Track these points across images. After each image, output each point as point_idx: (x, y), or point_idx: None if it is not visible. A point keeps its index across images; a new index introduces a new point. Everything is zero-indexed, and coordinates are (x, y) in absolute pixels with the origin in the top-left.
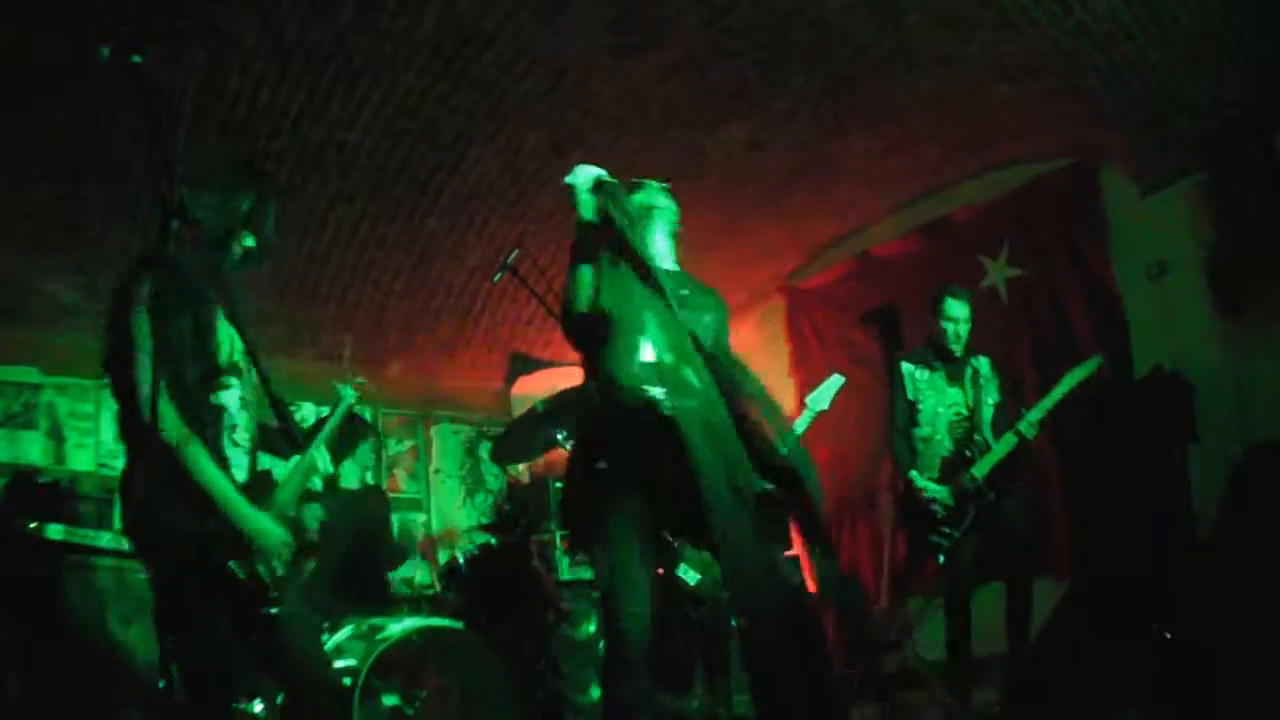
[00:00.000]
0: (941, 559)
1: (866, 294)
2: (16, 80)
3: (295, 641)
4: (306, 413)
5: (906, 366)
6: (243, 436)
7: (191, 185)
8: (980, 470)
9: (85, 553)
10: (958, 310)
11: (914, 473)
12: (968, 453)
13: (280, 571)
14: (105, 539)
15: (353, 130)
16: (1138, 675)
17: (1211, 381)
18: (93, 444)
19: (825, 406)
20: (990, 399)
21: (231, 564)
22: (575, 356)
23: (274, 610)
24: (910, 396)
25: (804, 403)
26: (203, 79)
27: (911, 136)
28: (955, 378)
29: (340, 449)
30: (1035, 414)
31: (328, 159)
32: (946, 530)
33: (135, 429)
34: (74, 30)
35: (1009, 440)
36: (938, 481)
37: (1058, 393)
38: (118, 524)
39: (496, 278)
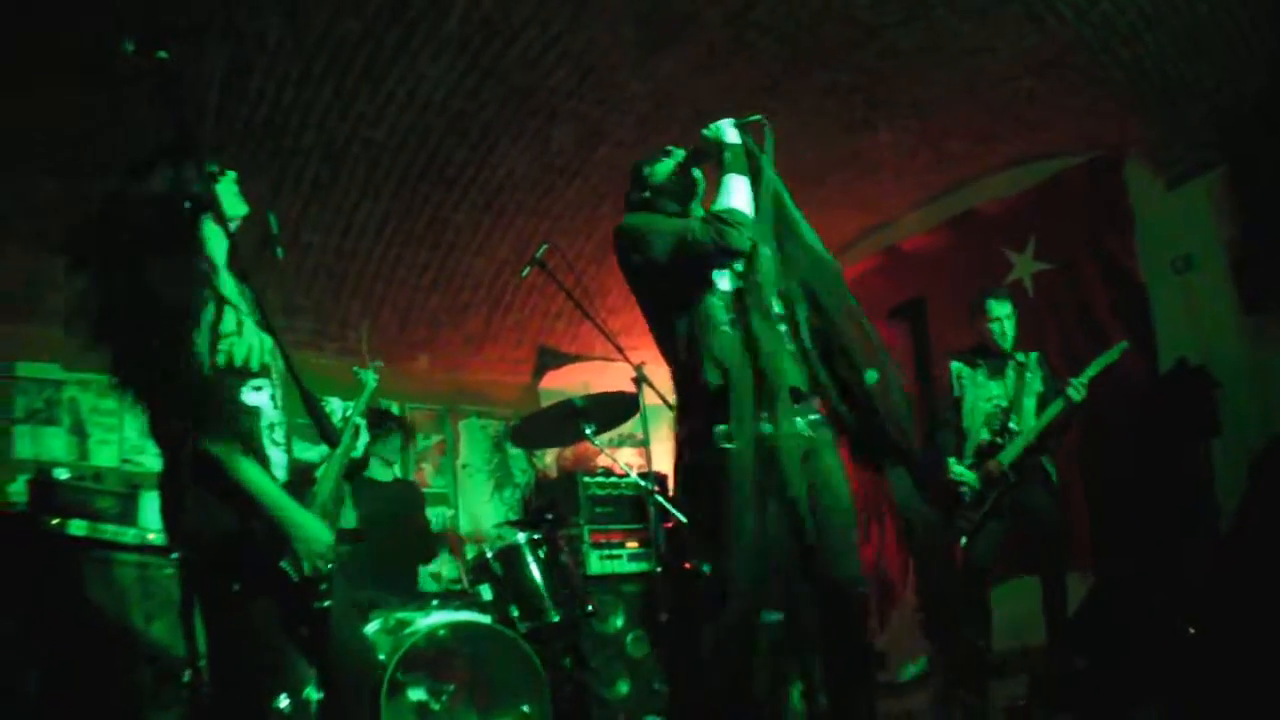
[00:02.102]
0: (964, 540)
1: (894, 288)
2: (36, 76)
3: (344, 633)
4: (334, 407)
5: (955, 364)
6: (280, 435)
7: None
8: (1006, 456)
9: (108, 549)
10: (999, 309)
11: (951, 459)
12: (999, 440)
13: (325, 570)
14: (129, 535)
15: (379, 126)
16: (1161, 669)
17: (1235, 375)
18: (116, 440)
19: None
20: (1035, 389)
21: (284, 564)
22: (604, 350)
23: (326, 604)
24: (956, 393)
25: None
26: (228, 75)
27: (938, 130)
28: (997, 372)
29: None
30: (1083, 378)
31: (354, 155)
32: (968, 514)
33: (170, 433)
34: (92, 26)
35: (1055, 406)
36: (970, 469)
37: (1095, 368)
38: (142, 520)
39: (525, 272)
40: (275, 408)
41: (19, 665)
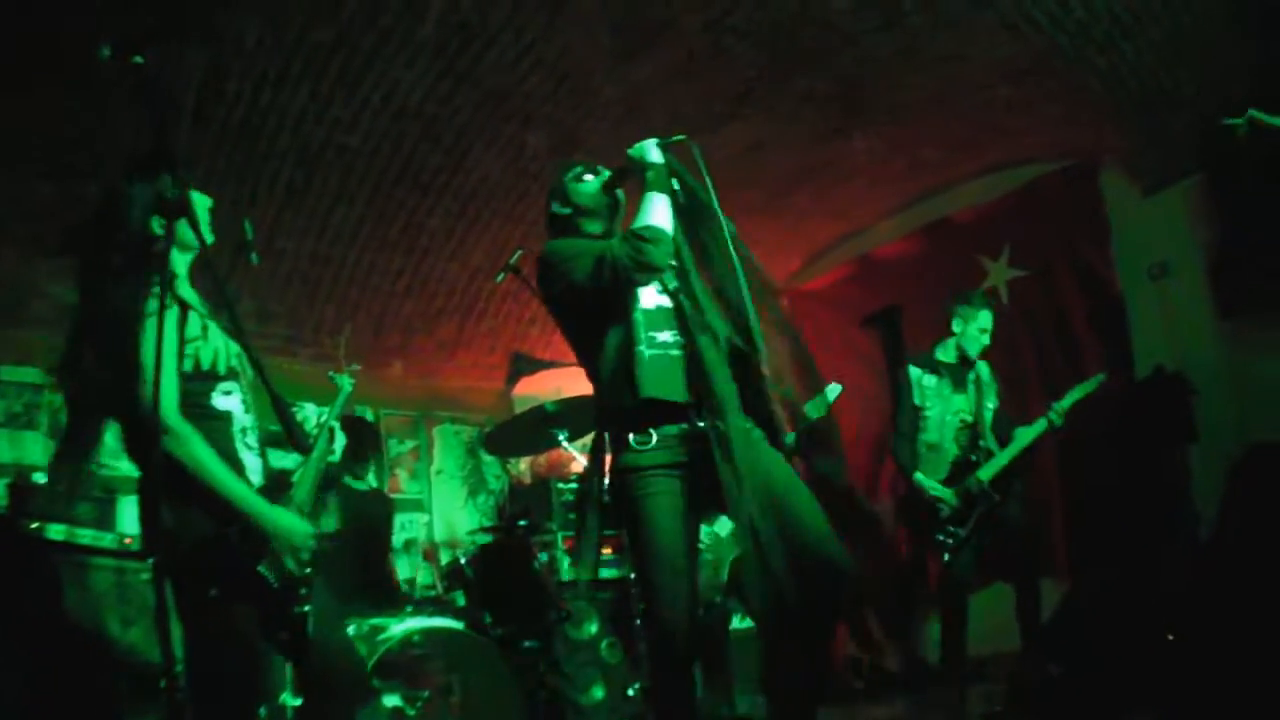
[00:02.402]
0: (946, 557)
1: (868, 296)
2: (17, 80)
3: (325, 635)
4: (309, 413)
5: (915, 372)
6: (253, 439)
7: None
8: (986, 474)
9: (86, 554)
10: (989, 320)
11: (919, 474)
12: (973, 458)
13: (307, 565)
14: (107, 540)
15: (354, 131)
16: (1138, 676)
17: (1212, 381)
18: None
19: (821, 414)
20: (990, 404)
21: (261, 568)
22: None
23: (305, 608)
24: (917, 401)
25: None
26: (204, 79)
27: (913, 138)
28: (960, 385)
29: (351, 454)
30: (1064, 403)
31: (329, 160)
32: (952, 529)
33: (143, 437)
34: (75, 30)
35: (1036, 428)
36: (944, 485)
37: (1076, 394)
38: (119, 525)
39: (499, 278)
40: (246, 412)
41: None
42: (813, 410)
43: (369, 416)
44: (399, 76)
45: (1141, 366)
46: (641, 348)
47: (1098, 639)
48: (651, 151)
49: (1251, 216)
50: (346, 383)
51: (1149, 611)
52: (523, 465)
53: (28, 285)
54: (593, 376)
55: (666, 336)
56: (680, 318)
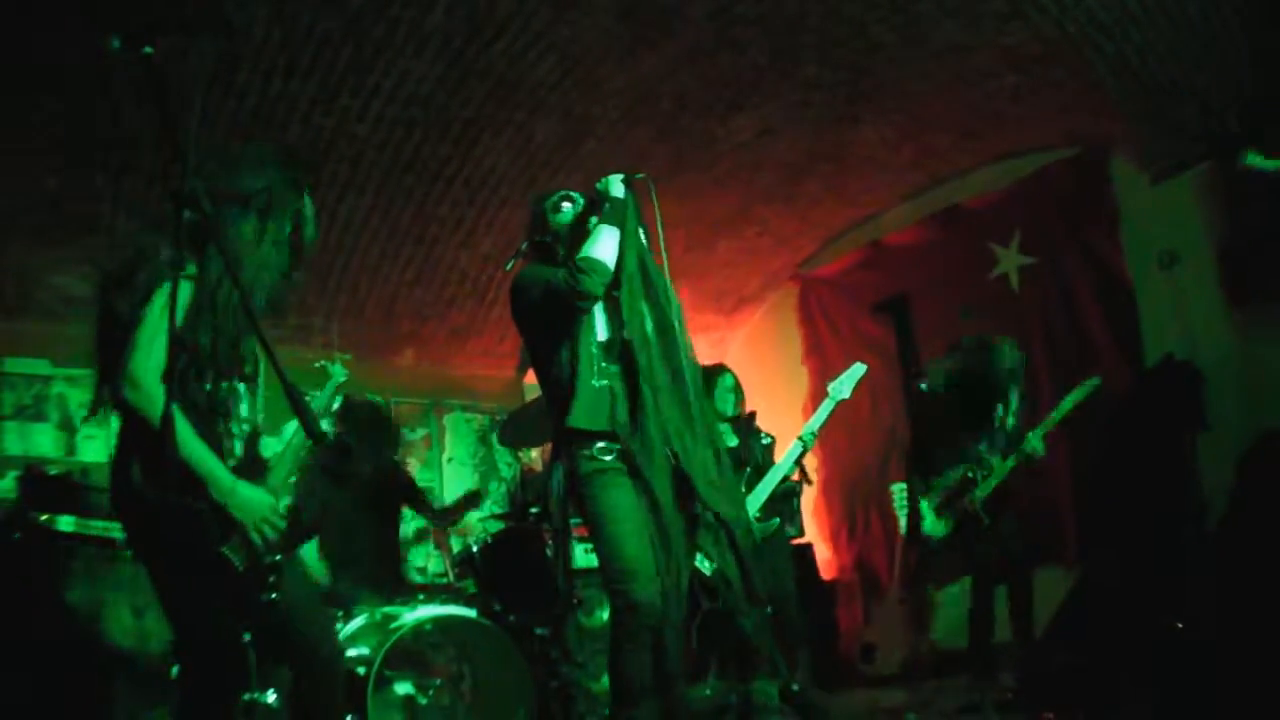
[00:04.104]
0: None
1: (878, 282)
2: (24, 72)
3: (299, 624)
4: (319, 403)
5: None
6: (239, 428)
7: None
8: (982, 492)
9: (97, 544)
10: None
11: (924, 503)
12: (970, 474)
13: (272, 536)
14: (117, 530)
15: (364, 120)
16: (1146, 665)
17: (1222, 369)
18: (104, 435)
19: (847, 395)
20: (1012, 407)
21: (225, 551)
22: None
23: (275, 595)
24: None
25: (826, 390)
26: (213, 70)
27: (923, 125)
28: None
29: (357, 438)
30: (1038, 432)
31: (339, 149)
32: (938, 570)
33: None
34: (82, 22)
35: (1011, 462)
36: (948, 492)
37: (1057, 415)
38: None
39: (509, 265)
40: (243, 400)
41: (10, 663)
42: (839, 390)
43: (379, 401)
44: (408, 66)
45: (1151, 355)
46: (593, 380)
47: (1106, 627)
48: (615, 186)
49: (1260, 205)
50: (339, 372)
51: (1157, 600)
52: (534, 453)
53: (34, 277)
54: (545, 393)
55: (615, 368)
56: (623, 352)
